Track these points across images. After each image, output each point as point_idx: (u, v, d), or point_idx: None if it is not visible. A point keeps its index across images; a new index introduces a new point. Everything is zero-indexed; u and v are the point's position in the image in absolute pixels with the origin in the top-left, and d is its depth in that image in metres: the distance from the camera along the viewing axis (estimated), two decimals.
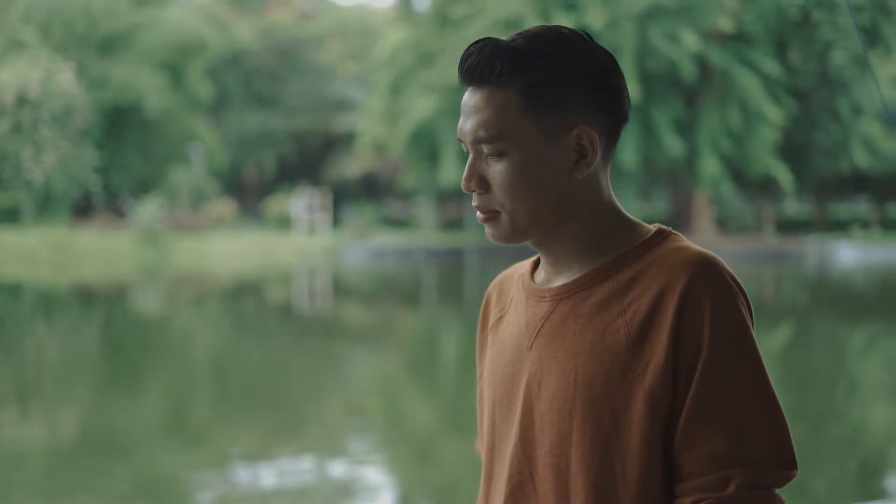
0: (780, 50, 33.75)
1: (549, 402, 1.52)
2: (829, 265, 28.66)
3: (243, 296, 19.81)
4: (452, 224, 39.11)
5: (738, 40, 32.96)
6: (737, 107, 32.04)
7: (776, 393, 1.46)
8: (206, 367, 10.95)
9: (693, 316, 1.44)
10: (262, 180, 47.47)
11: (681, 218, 34.08)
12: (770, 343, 11.73)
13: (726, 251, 23.78)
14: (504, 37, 1.54)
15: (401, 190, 41.09)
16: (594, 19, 30.48)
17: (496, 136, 1.51)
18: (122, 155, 36.81)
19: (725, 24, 32.09)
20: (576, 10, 31.69)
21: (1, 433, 7.53)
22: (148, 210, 29.51)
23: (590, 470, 1.48)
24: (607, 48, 1.59)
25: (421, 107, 33.82)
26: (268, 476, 6.46)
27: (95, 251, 26.39)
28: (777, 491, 1.44)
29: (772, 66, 32.23)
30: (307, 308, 17.99)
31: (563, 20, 28.57)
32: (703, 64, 32.24)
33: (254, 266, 25.19)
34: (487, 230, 1.58)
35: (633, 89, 28.60)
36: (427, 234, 36.12)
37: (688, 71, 30.93)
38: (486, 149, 1.53)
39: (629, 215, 1.58)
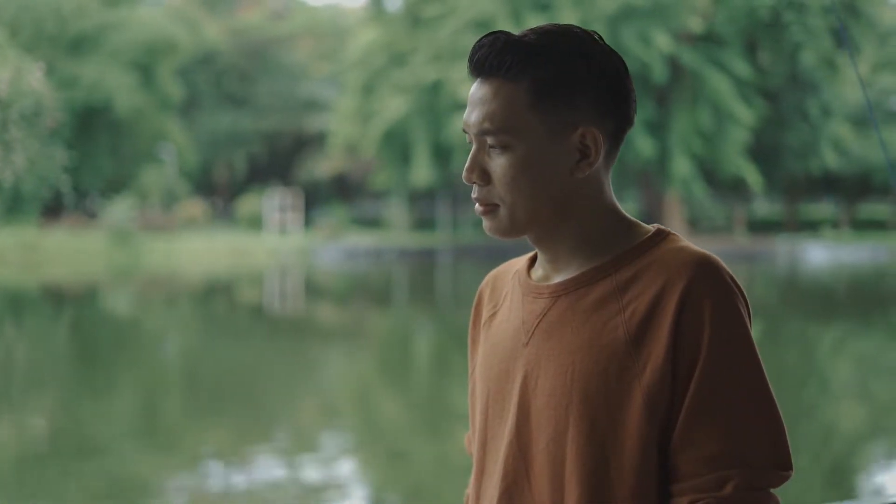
0: (751, 51, 33.89)
1: (545, 400, 1.52)
2: (799, 265, 28.83)
3: (214, 296, 19.72)
4: (424, 224, 39.08)
5: (708, 41, 33.08)
6: (708, 108, 32.14)
7: (773, 394, 1.46)
8: (177, 367, 10.90)
9: (693, 316, 1.44)
10: (234, 180, 47.29)
11: (652, 218, 34.08)
12: None
13: None
14: (516, 32, 1.54)
15: (372, 190, 41.02)
16: (566, 20, 30.50)
17: (501, 129, 1.51)
18: (93, 155, 36.52)
19: (696, 25, 32.20)
20: (548, 11, 31.72)
21: None
22: (118, 210, 29.33)
23: (585, 468, 1.47)
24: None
25: (393, 107, 33.79)
26: (239, 476, 6.43)
27: (66, 252, 26.18)
28: (772, 491, 1.45)
29: (742, 67, 32.36)
30: (279, 308, 17.93)
31: (535, 20, 28.58)
32: (674, 65, 32.33)
33: (225, 266, 25.07)
34: (485, 223, 1.58)
35: None
36: (399, 234, 36.06)
37: (659, 72, 30.99)
38: (490, 140, 1.52)
39: (629, 216, 1.59)
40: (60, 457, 6.84)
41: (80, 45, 37.43)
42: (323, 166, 43.08)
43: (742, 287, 1.51)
